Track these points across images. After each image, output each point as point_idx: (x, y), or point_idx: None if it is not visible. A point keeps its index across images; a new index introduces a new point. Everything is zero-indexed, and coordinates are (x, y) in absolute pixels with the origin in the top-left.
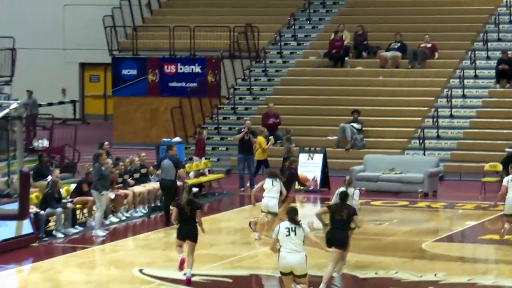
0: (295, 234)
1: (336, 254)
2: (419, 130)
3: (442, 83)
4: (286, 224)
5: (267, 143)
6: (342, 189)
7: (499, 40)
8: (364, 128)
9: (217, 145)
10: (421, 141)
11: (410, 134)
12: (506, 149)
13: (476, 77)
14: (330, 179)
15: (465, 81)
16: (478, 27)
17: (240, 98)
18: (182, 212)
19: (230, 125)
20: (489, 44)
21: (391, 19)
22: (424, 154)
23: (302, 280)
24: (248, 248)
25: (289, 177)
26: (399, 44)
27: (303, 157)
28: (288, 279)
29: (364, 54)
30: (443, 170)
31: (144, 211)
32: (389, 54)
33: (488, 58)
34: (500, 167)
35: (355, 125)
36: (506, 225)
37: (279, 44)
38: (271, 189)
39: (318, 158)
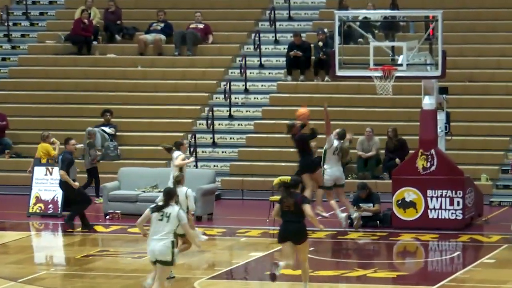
0: (168, 221)
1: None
2: (189, 136)
3: (218, 75)
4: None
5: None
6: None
7: (290, 19)
8: (118, 133)
9: None
10: (192, 149)
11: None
12: None
13: (261, 66)
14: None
15: (248, 72)
16: (263, 2)
17: None
18: None
19: None
20: (277, 24)
21: None
22: (196, 166)
23: (164, 268)
24: None
25: None
26: (162, 25)
27: (39, 172)
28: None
29: (118, 37)
30: (220, 187)
31: None
32: (150, 37)
33: (276, 42)
34: None
35: (107, 129)
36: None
37: (5, 24)
38: None
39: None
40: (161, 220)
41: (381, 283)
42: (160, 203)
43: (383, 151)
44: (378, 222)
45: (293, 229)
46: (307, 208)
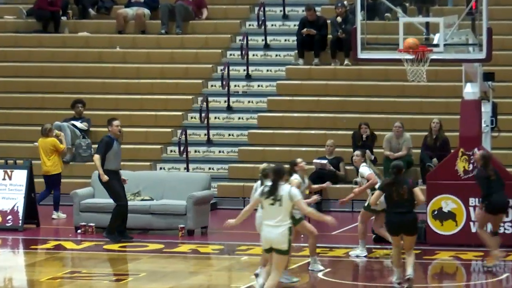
0: (280, 204)
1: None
2: (179, 132)
3: (214, 57)
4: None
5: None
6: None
7: None
8: (91, 129)
9: None
10: (182, 148)
11: (165, 137)
12: (314, 161)
13: (267, 47)
14: (40, 210)
15: (250, 54)
16: None
17: None
18: None
19: None
20: None
21: None
22: (187, 169)
23: (279, 257)
24: None
25: None
26: None
27: None
28: (268, 257)
29: (92, 11)
30: (217, 194)
31: None
32: (130, 11)
33: (285, 17)
34: None
35: (78, 123)
36: None
37: None
38: None
39: (21, 176)
40: (273, 204)
41: None
42: (268, 185)
43: (415, 151)
44: None
45: (408, 220)
46: (419, 192)
